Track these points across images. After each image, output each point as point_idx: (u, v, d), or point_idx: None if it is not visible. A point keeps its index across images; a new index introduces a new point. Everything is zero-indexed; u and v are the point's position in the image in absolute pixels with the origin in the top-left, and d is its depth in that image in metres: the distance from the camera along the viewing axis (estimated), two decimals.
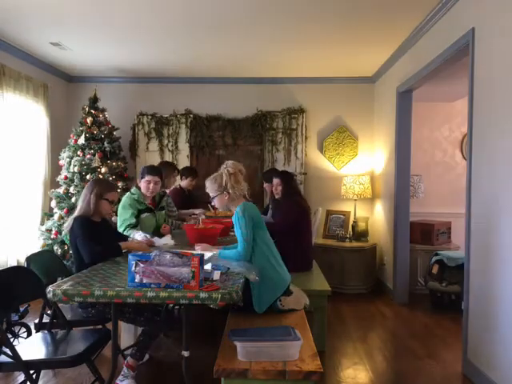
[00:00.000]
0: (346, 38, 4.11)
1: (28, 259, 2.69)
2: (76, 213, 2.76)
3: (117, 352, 2.29)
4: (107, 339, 2.35)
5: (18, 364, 2.01)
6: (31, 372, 2.12)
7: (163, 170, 3.92)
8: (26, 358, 2.03)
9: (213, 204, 2.72)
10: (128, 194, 3.40)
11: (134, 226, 3.23)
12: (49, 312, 2.54)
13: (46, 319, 2.60)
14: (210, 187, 2.60)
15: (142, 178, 3.41)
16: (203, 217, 3.98)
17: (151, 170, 3.45)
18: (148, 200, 3.44)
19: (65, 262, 4.51)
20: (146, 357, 3.06)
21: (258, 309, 2.41)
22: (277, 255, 2.60)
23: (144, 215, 3.37)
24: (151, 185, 3.39)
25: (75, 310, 2.74)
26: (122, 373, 2.52)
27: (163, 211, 3.66)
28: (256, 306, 2.40)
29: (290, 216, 3.56)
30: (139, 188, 3.42)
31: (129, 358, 2.53)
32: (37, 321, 2.60)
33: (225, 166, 2.62)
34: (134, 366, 2.53)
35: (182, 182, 4.60)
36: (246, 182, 2.64)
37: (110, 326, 2.72)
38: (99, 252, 2.60)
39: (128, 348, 2.83)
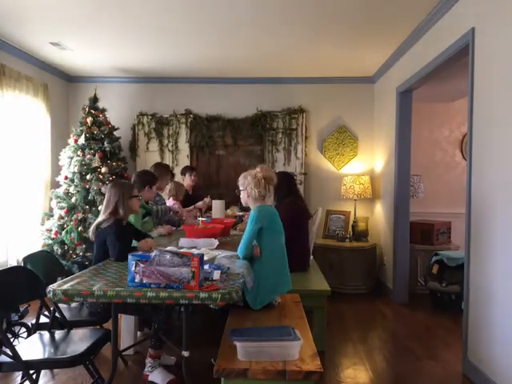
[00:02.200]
0: (346, 38, 4.11)
1: (25, 259, 2.68)
2: (106, 216, 2.77)
3: (117, 352, 2.29)
4: (107, 339, 2.35)
5: (18, 364, 2.01)
6: (31, 372, 2.12)
7: (156, 172, 3.93)
8: (25, 358, 2.03)
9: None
10: None
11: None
12: (46, 312, 2.54)
13: (42, 320, 2.59)
14: (240, 181, 2.69)
15: (154, 184, 3.49)
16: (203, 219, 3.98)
17: (156, 174, 3.60)
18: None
19: (64, 262, 4.52)
20: (173, 360, 3.03)
21: (252, 305, 2.47)
22: (284, 261, 2.65)
23: (144, 220, 3.38)
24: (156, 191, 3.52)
25: (72, 310, 2.74)
26: (149, 364, 2.62)
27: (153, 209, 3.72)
28: (251, 303, 2.46)
29: (285, 218, 3.55)
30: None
31: (149, 349, 2.63)
32: (34, 321, 2.59)
33: (258, 168, 2.66)
34: (158, 355, 2.63)
35: (184, 182, 4.66)
36: (270, 191, 2.63)
37: (107, 325, 2.73)
38: (122, 255, 2.63)
39: (127, 348, 2.83)
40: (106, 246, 2.69)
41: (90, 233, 2.81)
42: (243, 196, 2.68)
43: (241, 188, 2.68)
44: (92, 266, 2.71)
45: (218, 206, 4.13)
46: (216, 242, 2.94)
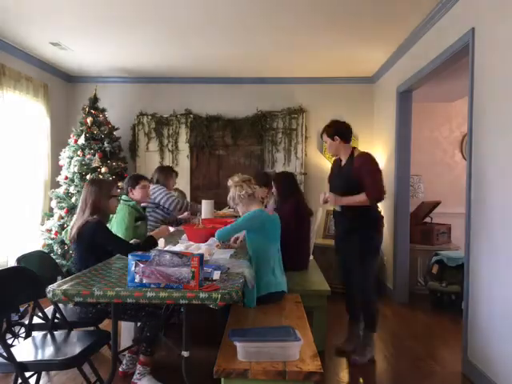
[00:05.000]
0: (346, 38, 4.11)
1: (19, 259, 2.67)
2: (87, 217, 2.68)
3: (117, 352, 2.28)
4: (105, 341, 2.34)
5: (13, 365, 1.98)
6: (30, 373, 2.09)
7: (161, 175, 3.91)
8: (20, 360, 2.00)
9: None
10: (122, 202, 3.28)
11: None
12: (39, 314, 2.52)
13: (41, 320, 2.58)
14: (230, 202, 2.90)
15: (137, 184, 3.38)
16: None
17: (141, 175, 3.54)
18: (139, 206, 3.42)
19: (64, 262, 4.52)
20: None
21: (247, 303, 2.55)
22: (276, 262, 2.77)
23: (138, 223, 3.31)
24: (148, 189, 3.44)
25: (68, 311, 2.69)
26: (138, 371, 2.51)
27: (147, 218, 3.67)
28: (245, 300, 2.54)
29: (289, 217, 3.55)
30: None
31: (141, 355, 2.53)
32: (33, 322, 2.57)
33: (229, 181, 2.90)
34: (148, 362, 2.52)
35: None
36: (255, 188, 2.81)
37: (103, 326, 2.71)
38: (134, 247, 2.65)
39: (125, 350, 2.81)
40: (92, 248, 2.62)
41: (71, 235, 2.68)
42: (240, 209, 2.87)
43: (234, 205, 2.89)
44: (74, 270, 2.68)
45: (207, 206, 4.06)
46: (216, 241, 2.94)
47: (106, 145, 4.87)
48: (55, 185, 4.93)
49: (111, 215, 3.10)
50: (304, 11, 3.49)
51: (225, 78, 5.55)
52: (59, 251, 4.58)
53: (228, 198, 2.89)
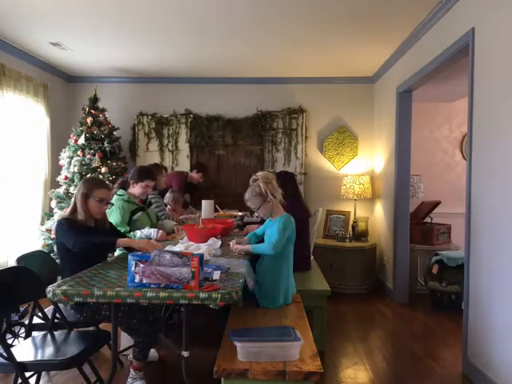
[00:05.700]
0: (346, 38, 4.11)
1: (19, 259, 2.66)
2: (67, 212, 2.69)
3: (117, 352, 2.28)
4: (105, 341, 2.33)
5: (13, 365, 1.98)
6: (30, 373, 2.09)
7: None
8: (20, 360, 2.00)
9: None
10: (116, 196, 3.27)
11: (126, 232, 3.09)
12: (39, 314, 2.52)
13: (40, 320, 2.58)
14: (251, 200, 2.62)
15: (140, 181, 3.33)
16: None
17: (150, 174, 3.42)
18: (137, 200, 3.39)
19: None
20: (156, 356, 3.02)
21: (260, 303, 2.58)
22: (290, 268, 2.73)
23: (137, 215, 3.31)
24: (149, 189, 3.39)
25: (68, 311, 2.68)
26: (130, 375, 2.49)
27: (152, 206, 3.67)
28: (260, 301, 2.58)
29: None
30: (125, 189, 3.36)
31: (133, 360, 2.51)
32: (33, 322, 2.57)
33: (256, 177, 2.63)
34: (140, 367, 2.50)
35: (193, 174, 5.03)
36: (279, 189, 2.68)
37: (103, 326, 2.70)
38: (85, 240, 2.44)
39: (125, 350, 2.81)
40: (63, 245, 2.55)
41: (53, 232, 2.71)
42: (264, 209, 2.62)
43: (258, 204, 2.61)
44: (60, 266, 2.67)
45: (207, 206, 4.02)
46: (219, 242, 2.90)
47: (105, 145, 4.87)
48: (55, 185, 4.93)
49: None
50: (304, 11, 3.48)
51: (225, 77, 5.55)
52: None
53: (252, 192, 2.61)
